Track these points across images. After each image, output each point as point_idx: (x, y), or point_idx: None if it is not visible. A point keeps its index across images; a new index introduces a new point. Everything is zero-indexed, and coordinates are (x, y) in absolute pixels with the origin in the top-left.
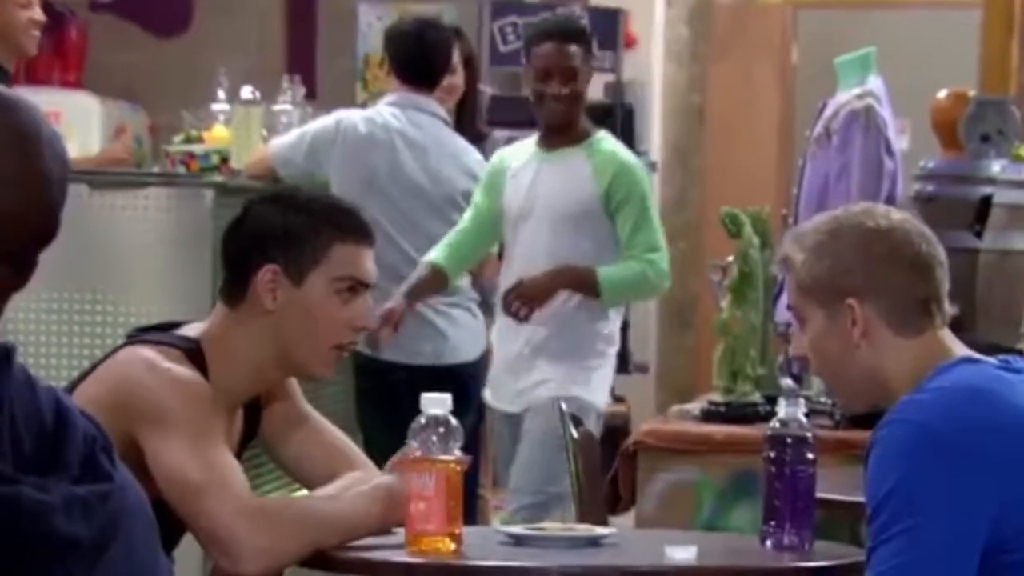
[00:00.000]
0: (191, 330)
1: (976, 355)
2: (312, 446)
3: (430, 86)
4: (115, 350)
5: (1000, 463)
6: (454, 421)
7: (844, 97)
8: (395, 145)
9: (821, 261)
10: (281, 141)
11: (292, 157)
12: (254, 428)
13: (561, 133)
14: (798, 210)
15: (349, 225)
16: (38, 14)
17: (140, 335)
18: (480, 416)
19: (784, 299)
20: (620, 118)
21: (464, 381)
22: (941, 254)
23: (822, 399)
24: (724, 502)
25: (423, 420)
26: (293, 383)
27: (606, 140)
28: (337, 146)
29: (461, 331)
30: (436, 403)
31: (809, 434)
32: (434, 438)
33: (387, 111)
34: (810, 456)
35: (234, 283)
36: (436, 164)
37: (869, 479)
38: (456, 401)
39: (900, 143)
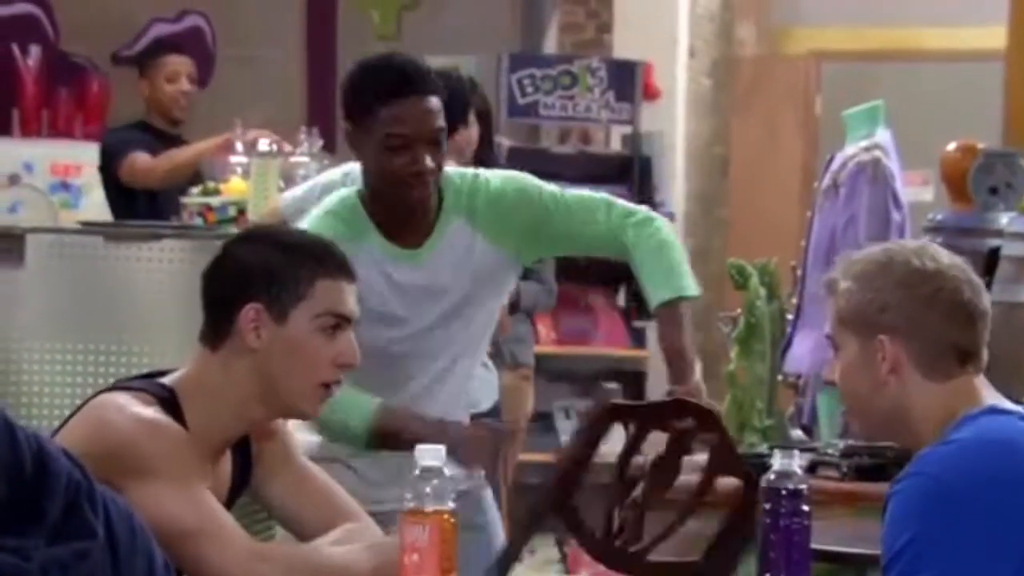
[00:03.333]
0: (168, 378)
1: (1005, 404)
2: (307, 496)
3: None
4: (91, 397)
5: (1021, 519)
6: (448, 472)
7: (852, 150)
8: None
9: (863, 293)
10: (292, 193)
11: (303, 208)
12: (246, 478)
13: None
14: (806, 262)
15: (331, 261)
16: (185, 85)
17: (120, 383)
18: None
19: (794, 350)
20: (638, 170)
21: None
22: (985, 304)
23: (830, 451)
24: None
25: (417, 471)
26: (287, 433)
27: None
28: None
29: (475, 383)
30: (430, 454)
31: (804, 486)
32: (428, 490)
33: None
34: (805, 508)
35: (215, 324)
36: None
37: (885, 532)
38: None
39: (923, 195)
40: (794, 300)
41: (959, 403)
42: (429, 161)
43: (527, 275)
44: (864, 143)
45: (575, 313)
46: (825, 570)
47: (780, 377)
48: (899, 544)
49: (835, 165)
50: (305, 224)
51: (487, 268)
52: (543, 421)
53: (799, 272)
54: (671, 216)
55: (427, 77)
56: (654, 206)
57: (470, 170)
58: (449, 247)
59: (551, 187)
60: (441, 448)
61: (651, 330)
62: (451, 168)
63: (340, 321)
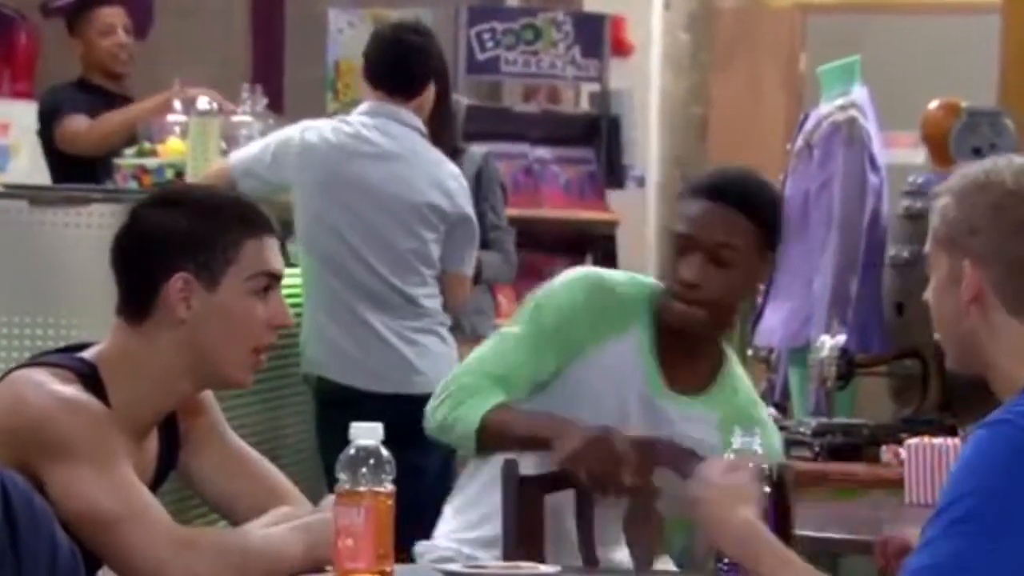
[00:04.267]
0: (89, 353)
1: None
2: (239, 477)
3: (405, 95)
4: (7, 373)
5: None
6: (385, 452)
7: (826, 108)
8: (363, 154)
9: (956, 210)
10: (242, 153)
11: (254, 168)
12: (173, 458)
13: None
14: None
15: (255, 218)
16: (121, 37)
17: (39, 358)
18: (451, 448)
19: (765, 323)
20: (606, 131)
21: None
22: None
23: (801, 429)
24: (695, 536)
25: (352, 451)
26: (216, 410)
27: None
28: (302, 156)
29: (433, 359)
30: (366, 432)
31: (765, 466)
32: (364, 470)
33: (357, 120)
34: (766, 490)
35: (137, 297)
36: (407, 175)
37: (953, 472)
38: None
39: (914, 157)
40: None
41: None
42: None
43: (487, 245)
44: (839, 101)
45: (538, 283)
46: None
47: (750, 352)
48: (962, 490)
49: (809, 125)
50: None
51: None
52: None
53: None
54: (641, 181)
55: None
56: (622, 170)
57: None
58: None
59: None
60: (377, 426)
61: None
62: None
63: (271, 281)
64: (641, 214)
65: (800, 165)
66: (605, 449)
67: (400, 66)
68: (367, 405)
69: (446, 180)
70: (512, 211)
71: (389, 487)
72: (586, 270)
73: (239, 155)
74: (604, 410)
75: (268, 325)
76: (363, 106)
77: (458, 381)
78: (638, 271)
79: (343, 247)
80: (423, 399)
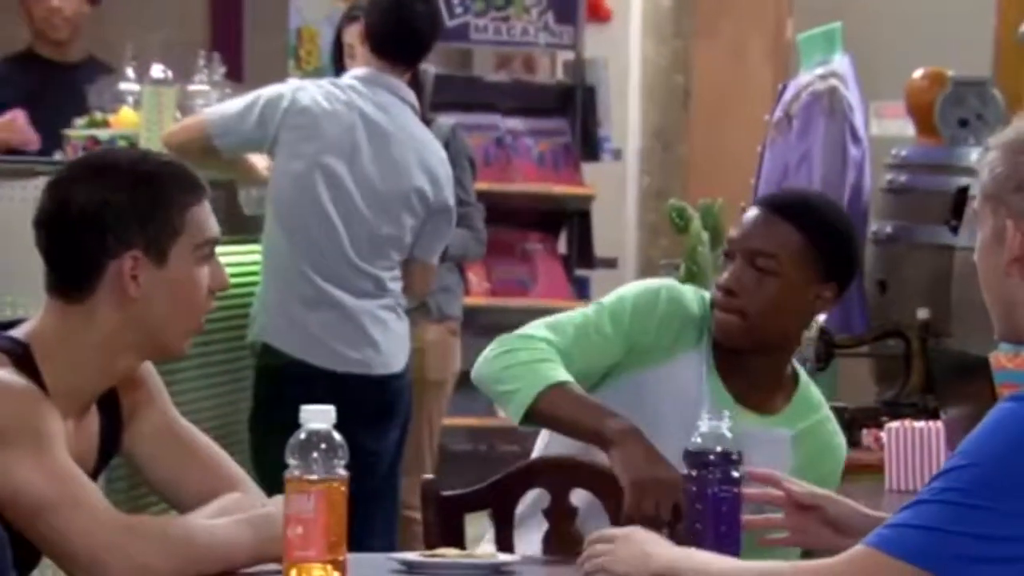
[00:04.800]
0: (20, 331)
1: None
2: (187, 463)
3: (408, 64)
4: None
5: None
6: (338, 437)
7: (806, 78)
8: (356, 126)
9: (1003, 166)
10: (221, 108)
11: (235, 126)
12: (116, 440)
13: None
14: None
15: (193, 183)
16: (54, 1)
17: None
18: (406, 430)
19: None
20: (580, 101)
21: (393, 392)
22: None
23: None
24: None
25: (303, 435)
26: (161, 391)
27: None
28: (293, 117)
29: (392, 339)
30: (318, 416)
31: (735, 452)
32: (315, 455)
33: (350, 86)
34: (735, 475)
35: (75, 276)
36: (399, 157)
37: (969, 437)
38: (384, 414)
39: (906, 128)
40: None
41: None
42: None
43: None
44: (820, 70)
45: (510, 261)
46: (766, 549)
47: None
48: (968, 459)
49: (788, 95)
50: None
51: None
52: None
53: None
54: (618, 153)
55: None
56: (598, 142)
57: None
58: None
59: None
60: (330, 409)
61: (595, 280)
62: None
63: (214, 246)
64: (618, 188)
65: (779, 137)
66: (669, 494)
67: (408, 35)
68: (321, 383)
69: (435, 166)
70: (482, 185)
71: (342, 473)
72: (666, 281)
73: (217, 111)
74: (663, 420)
75: (210, 292)
76: (360, 72)
77: (525, 339)
78: (614, 248)
79: (320, 222)
80: (381, 381)
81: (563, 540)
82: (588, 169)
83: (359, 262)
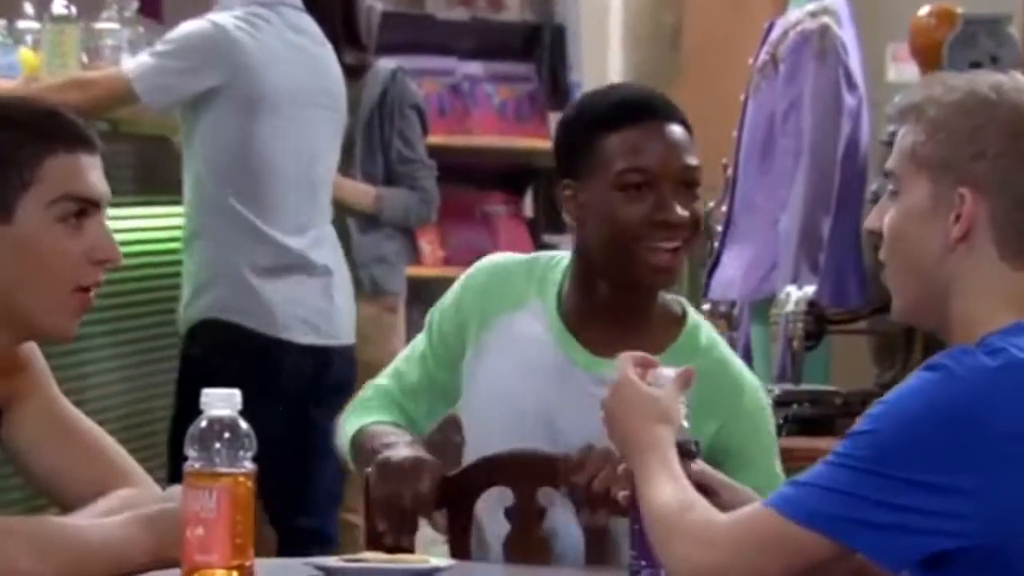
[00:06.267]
0: None
1: None
2: (72, 455)
3: None
4: None
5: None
6: (244, 425)
7: (795, 15)
8: (295, 62)
9: (954, 129)
10: (141, 60)
11: (161, 79)
12: None
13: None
14: (739, 158)
15: (58, 130)
16: None
17: None
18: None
19: (723, 272)
20: (549, 43)
21: (344, 366)
22: None
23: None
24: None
25: (204, 423)
26: (46, 376)
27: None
28: (227, 58)
29: (344, 306)
30: (221, 401)
31: (694, 444)
32: (218, 445)
33: (256, 14)
34: (693, 468)
35: None
36: (325, 71)
37: (880, 401)
38: (336, 391)
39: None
40: (723, 208)
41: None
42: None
43: (394, 180)
44: (810, 7)
45: (468, 225)
46: None
47: (706, 306)
48: (874, 424)
49: (774, 35)
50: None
51: None
52: None
53: (729, 172)
54: None
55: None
56: (567, 89)
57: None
58: None
59: None
60: (234, 393)
61: (565, 247)
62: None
63: (85, 206)
64: None
65: (764, 83)
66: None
67: None
68: (292, 357)
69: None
70: (435, 139)
71: (248, 466)
72: (484, 260)
73: (138, 64)
74: (520, 400)
75: (87, 259)
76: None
77: (361, 391)
78: None
79: (271, 175)
80: (344, 351)
81: (527, 545)
82: (556, 118)
83: (316, 215)
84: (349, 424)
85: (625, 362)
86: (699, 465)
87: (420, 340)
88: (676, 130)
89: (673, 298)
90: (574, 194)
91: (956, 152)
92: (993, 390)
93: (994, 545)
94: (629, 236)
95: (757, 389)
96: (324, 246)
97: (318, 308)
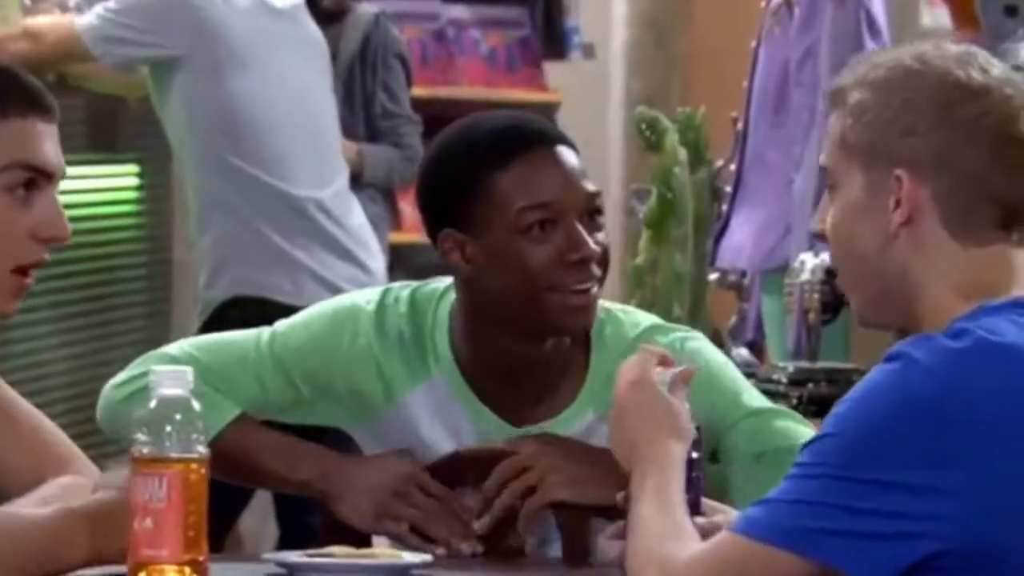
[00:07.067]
0: None
1: None
2: (8, 440)
3: None
4: None
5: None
6: (197, 405)
7: None
8: (242, 4)
9: (882, 108)
10: (95, 14)
11: (118, 32)
12: None
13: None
14: (749, 111)
15: (11, 91)
16: None
17: None
18: None
19: (732, 238)
20: None
21: None
22: None
23: (775, 376)
24: None
25: (152, 404)
26: None
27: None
28: (182, 24)
29: (378, 271)
30: (172, 379)
31: (695, 427)
32: (169, 428)
33: None
34: (694, 455)
35: None
36: (293, 11)
37: (839, 402)
38: None
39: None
40: (732, 167)
41: (987, 281)
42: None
43: (376, 136)
44: None
45: None
46: None
47: (715, 276)
48: (833, 427)
49: None
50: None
51: None
52: None
53: (739, 126)
54: (589, 50)
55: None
56: (564, 34)
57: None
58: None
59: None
60: (186, 370)
61: None
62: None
63: (36, 177)
64: (595, 93)
65: (777, 28)
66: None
67: None
68: (232, 315)
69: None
70: (419, 91)
71: (202, 451)
72: (350, 316)
73: (91, 18)
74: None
75: (32, 236)
76: None
77: (163, 358)
78: (590, 169)
79: (268, 131)
80: None
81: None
82: (553, 70)
83: (326, 170)
84: (216, 409)
85: (647, 358)
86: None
87: (258, 359)
88: (569, 154)
89: None
90: (459, 245)
91: (885, 132)
92: (960, 374)
93: (979, 546)
94: (542, 282)
95: (681, 341)
96: (348, 202)
97: (352, 276)
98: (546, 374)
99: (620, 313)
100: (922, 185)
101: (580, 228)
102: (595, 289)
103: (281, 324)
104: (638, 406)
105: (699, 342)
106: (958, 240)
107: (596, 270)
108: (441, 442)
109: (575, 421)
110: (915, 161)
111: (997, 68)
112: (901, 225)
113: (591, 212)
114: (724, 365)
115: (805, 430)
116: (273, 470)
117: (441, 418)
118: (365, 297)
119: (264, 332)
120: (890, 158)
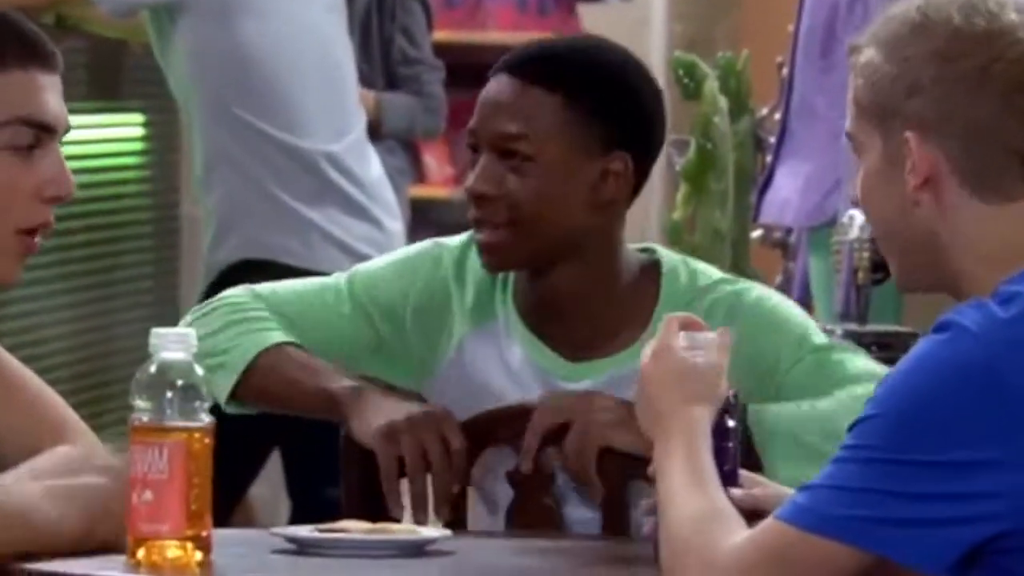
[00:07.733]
0: None
1: None
2: (7, 408)
3: None
4: None
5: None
6: (200, 370)
7: None
8: None
9: (887, 65)
10: None
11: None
12: None
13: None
14: (795, 56)
15: (11, 41)
16: None
17: None
18: None
19: (776, 192)
20: None
21: None
22: None
23: None
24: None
25: (153, 369)
26: None
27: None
28: None
29: (395, 230)
30: (174, 342)
31: (732, 393)
32: (170, 395)
33: None
34: (730, 424)
35: None
36: None
37: (883, 380)
38: None
39: None
40: (777, 116)
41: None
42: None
43: (395, 84)
44: None
45: None
46: None
47: (758, 232)
48: (879, 407)
49: None
50: None
51: None
52: None
53: (785, 72)
54: None
55: None
56: None
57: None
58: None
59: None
60: (188, 332)
61: None
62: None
63: (39, 133)
64: (634, 37)
65: None
66: (432, 426)
67: None
68: (236, 278)
69: None
70: (442, 35)
71: (205, 420)
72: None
73: None
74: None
75: (37, 196)
76: None
77: (226, 302)
78: None
79: (277, 80)
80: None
81: (534, 513)
82: (589, 12)
83: (347, 127)
84: (243, 338)
85: (670, 325)
86: (743, 490)
87: (334, 296)
88: (505, 86)
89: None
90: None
91: (892, 92)
92: (1012, 343)
93: None
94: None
95: (746, 290)
96: (365, 155)
97: (367, 236)
98: (591, 311)
99: (698, 265)
100: (934, 145)
101: (480, 165)
102: (491, 231)
103: (360, 265)
104: (659, 374)
105: (763, 290)
106: (983, 199)
107: (485, 211)
108: (500, 383)
109: (631, 363)
110: (923, 121)
111: (1011, 10)
112: (919, 189)
113: (503, 152)
114: (789, 308)
115: (870, 364)
116: (300, 380)
117: (500, 358)
118: (451, 239)
119: (342, 274)
120: (900, 120)
